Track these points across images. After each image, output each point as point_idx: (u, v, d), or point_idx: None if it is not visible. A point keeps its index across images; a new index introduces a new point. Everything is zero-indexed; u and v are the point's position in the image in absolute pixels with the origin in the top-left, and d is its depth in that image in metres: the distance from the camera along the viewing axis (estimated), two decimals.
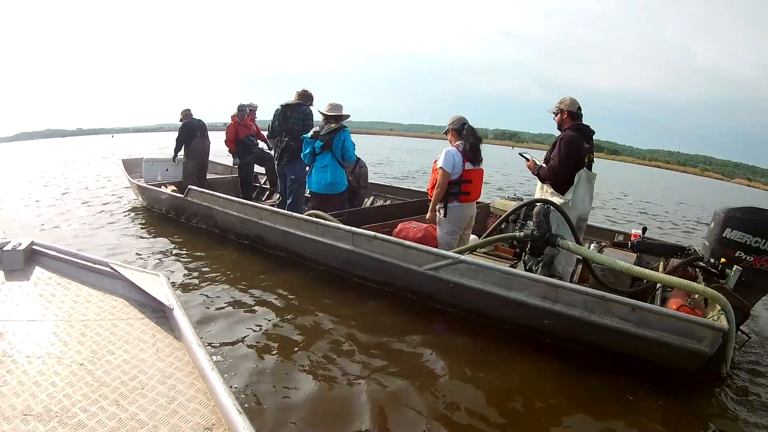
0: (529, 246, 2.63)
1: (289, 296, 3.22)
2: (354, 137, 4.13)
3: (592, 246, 3.46)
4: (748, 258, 2.77)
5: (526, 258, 2.67)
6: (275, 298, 3.18)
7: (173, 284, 1.63)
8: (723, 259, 2.78)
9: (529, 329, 2.65)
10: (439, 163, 3.15)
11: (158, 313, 1.47)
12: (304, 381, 2.22)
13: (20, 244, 1.81)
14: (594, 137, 3.00)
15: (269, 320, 2.85)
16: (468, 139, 3.15)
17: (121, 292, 1.61)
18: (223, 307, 2.98)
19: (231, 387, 1.02)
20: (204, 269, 3.71)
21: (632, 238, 3.38)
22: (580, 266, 3.31)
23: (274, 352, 2.48)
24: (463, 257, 2.75)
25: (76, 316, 1.45)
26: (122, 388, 1.09)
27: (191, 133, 5.88)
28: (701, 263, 2.83)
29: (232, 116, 5.83)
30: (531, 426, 2.03)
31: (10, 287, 1.63)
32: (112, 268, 1.67)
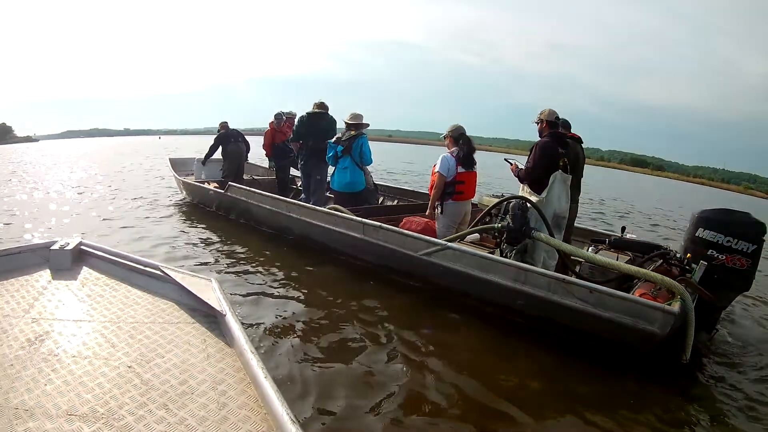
0: (505, 235, 3.04)
1: (345, 301, 3.25)
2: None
3: (590, 249, 3.76)
4: (720, 256, 2.91)
5: (504, 246, 3.08)
6: (327, 302, 3.24)
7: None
8: (689, 255, 3.02)
9: (504, 309, 3.03)
10: (437, 168, 3.65)
11: (209, 318, 1.45)
12: (365, 393, 2.17)
13: (68, 243, 1.81)
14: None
15: (321, 325, 2.89)
16: (462, 148, 3.66)
17: (171, 295, 1.59)
18: (271, 310, 3.04)
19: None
20: (249, 268, 3.89)
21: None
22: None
23: (329, 360, 2.46)
24: (450, 244, 3.21)
25: (125, 317, 1.43)
26: (171, 392, 1.07)
27: (226, 139, 6.67)
28: (672, 260, 3.08)
29: (270, 123, 6.55)
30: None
31: (57, 286, 1.61)
32: (162, 271, 1.65)
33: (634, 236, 3.56)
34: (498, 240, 3.12)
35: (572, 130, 3.81)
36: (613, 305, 2.63)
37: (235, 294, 3.26)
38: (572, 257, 3.22)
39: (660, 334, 2.53)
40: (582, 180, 3.85)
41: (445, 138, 3.82)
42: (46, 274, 1.71)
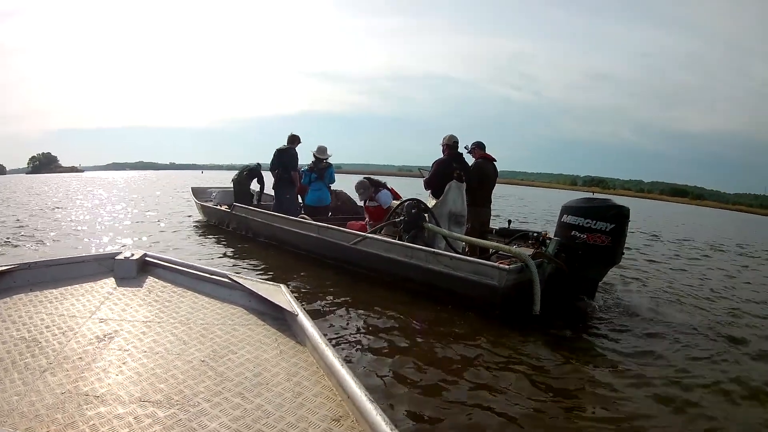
0: (402, 226, 4.19)
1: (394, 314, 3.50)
2: None
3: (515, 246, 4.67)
4: (582, 236, 3.45)
5: (403, 234, 4.21)
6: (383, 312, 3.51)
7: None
8: (544, 233, 3.84)
9: (405, 279, 4.06)
10: (385, 205, 4.86)
11: (280, 320, 1.45)
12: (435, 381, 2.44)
13: (133, 254, 1.80)
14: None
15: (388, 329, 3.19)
16: (380, 184, 5.01)
17: (240, 301, 1.59)
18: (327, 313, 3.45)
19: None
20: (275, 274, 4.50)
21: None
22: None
23: (394, 354, 2.76)
24: (368, 235, 4.37)
25: (194, 319, 1.42)
26: (246, 382, 1.07)
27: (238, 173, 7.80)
28: (530, 239, 4.00)
29: None
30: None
31: (123, 292, 1.60)
32: (231, 279, 1.65)
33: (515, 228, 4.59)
34: (399, 230, 4.27)
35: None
36: (466, 268, 3.61)
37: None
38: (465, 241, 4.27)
39: (499, 286, 3.39)
40: (493, 192, 4.94)
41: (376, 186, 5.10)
42: (110, 281, 1.71)
